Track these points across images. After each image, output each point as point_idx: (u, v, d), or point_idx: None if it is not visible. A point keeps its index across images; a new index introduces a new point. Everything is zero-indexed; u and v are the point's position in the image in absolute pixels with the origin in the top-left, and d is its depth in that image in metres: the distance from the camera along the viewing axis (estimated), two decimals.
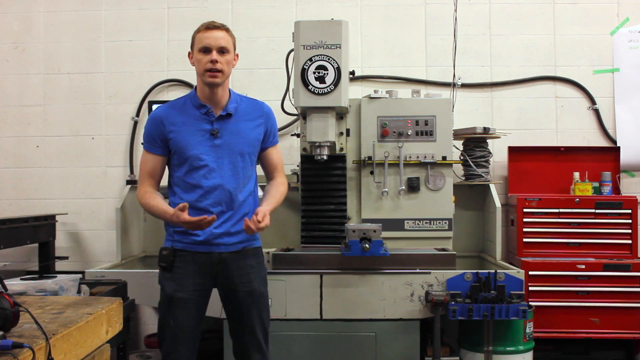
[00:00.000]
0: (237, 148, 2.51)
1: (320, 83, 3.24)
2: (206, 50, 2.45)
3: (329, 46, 3.24)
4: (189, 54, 2.57)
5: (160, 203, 2.47)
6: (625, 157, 4.10)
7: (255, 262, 2.59)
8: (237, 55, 2.59)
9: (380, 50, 4.32)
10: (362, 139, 3.60)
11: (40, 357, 1.38)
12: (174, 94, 4.22)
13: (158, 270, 2.56)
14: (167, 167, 2.60)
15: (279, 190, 2.62)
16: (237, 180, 2.52)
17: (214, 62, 2.43)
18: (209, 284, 2.54)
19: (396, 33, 4.32)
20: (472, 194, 3.97)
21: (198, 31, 2.50)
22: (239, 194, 2.52)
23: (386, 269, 3.18)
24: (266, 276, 2.66)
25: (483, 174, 3.79)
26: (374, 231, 3.11)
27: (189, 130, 2.48)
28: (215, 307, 2.69)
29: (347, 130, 3.60)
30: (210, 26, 2.48)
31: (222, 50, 2.46)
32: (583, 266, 3.67)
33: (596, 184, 3.93)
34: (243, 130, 2.54)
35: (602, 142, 4.23)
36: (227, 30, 2.51)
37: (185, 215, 2.32)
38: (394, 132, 3.58)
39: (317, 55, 3.24)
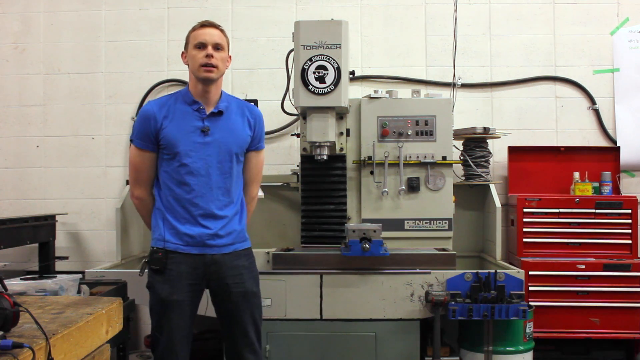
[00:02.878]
0: (226, 147, 2.50)
1: (320, 83, 3.24)
2: (202, 45, 2.47)
3: (329, 46, 3.24)
4: (182, 53, 2.58)
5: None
6: (625, 157, 4.10)
7: (247, 263, 2.58)
8: (231, 57, 2.61)
9: (380, 50, 4.32)
10: (362, 139, 3.60)
11: (40, 357, 1.37)
12: None
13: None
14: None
15: (248, 211, 2.67)
16: (225, 180, 2.50)
17: (209, 56, 2.45)
18: (202, 285, 2.52)
19: (396, 33, 4.32)
20: (472, 194, 3.96)
21: (193, 29, 2.53)
22: (227, 193, 2.51)
23: (386, 269, 3.17)
24: (258, 276, 2.64)
25: (483, 174, 3.79)
26: (374, 231, 3.11)
27: (179, 125, 2.47)
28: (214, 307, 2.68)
29: (347, 130, 3.59)
30: (206, 24, 2.51)
31: (217, 47, 2.48)
32: (583, 266, 3.67)
33: (596, 184, 3.93)
34: (233, 129, 2.53)
35: (602, 142, 4.23)
36: (222, 30, 2.54)
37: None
38: (394, 132, 3.58)
39: (317, 55, 3.24)
